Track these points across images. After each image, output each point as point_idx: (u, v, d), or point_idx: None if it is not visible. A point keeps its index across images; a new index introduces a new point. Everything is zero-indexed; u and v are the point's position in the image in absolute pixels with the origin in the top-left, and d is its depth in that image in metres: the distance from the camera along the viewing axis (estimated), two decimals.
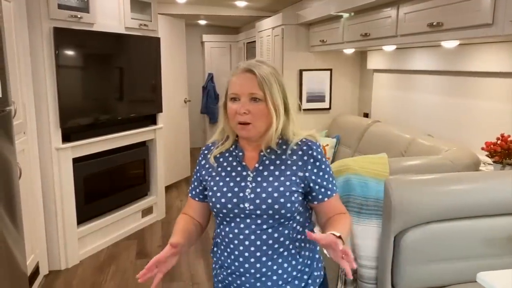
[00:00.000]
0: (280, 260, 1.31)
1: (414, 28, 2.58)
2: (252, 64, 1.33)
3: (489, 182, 1.90)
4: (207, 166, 1.40)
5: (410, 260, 1.80)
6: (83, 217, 3.54)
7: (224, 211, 1.32)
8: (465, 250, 1.82)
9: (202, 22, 7.17)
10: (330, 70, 4.47)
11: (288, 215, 1.30)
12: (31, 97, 3.03)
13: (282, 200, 1.29)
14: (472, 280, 1.70)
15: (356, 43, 3.42)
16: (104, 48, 3.66)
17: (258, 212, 1.29)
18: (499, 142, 2.30)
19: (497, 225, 1.84)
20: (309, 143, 1.35)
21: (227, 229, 1.33)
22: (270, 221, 1.30)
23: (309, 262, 1.37)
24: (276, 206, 1.28)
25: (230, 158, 1.38)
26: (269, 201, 1.28)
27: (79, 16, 3.26)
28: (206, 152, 1.43)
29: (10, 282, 2.24)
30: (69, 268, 3.36)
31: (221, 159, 1.39)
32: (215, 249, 1.41)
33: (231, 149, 1.40)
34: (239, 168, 1.36)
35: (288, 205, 1.29)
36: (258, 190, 1.30)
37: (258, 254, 1.30)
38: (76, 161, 3.39)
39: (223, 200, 1.32)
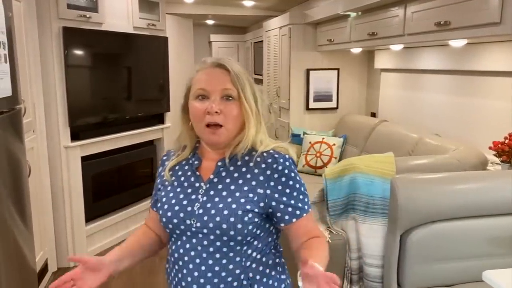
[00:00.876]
0: (235, 284, 1.10)
1: (422, 27, 2.57)
2: (222, 59, 1.17)
3: (496, 182, 1.89)
4: (162, 174, 1.25)
5: (415, 259, 1.80)
6: (91, 215, 3.57)
7: (170, 226, 1.15)
8: (471, 249, 1.81)
9: (210, 21, 7.19)
10: (338, 69, 4.47)
11: (239, 238, 1.10)
12: (40, 96, 3.06)
13: (232, 219, 1.09)
14: (477, 280, 1.69)
15: (364, 42, 3.42)
16: (112, 48, 3.68)
17: (205, 231, 1.11)
18: (506, 141, 2.29)
19: (503, 225, 1.83)
20: (276, 155, 1.14)
21: (178, 243, 1.16)
22: (218, 243, 1.10)
23: None
24: (224, 226, 1.09)
25: (186, 167, 1.22)
26: (217, 219, 1.09)
27: (88, 16, 3.29)
28: (164, 159, 1.28)
29: (19, 279, 2.27)
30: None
31: (177, 167, 1.23)
32: (166, 265, 1.24)
33: (188, 157, 1.23)
34: (192, 179, 1.19)
35: (239, 226, 1.09)
36: (208, 205, 1.12)
37: (209, 274, 1.10)
38: (84, 159, 3.42)
39: (169, 214, 1.15)
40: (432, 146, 2.80)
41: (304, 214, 1.15)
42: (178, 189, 1.18)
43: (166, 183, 1.22)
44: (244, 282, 1.11)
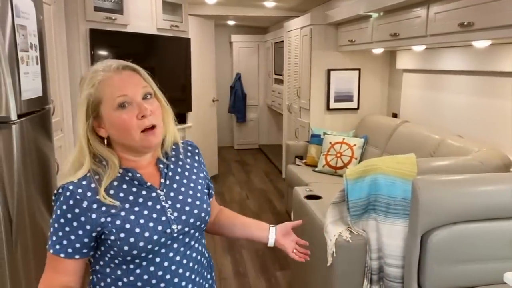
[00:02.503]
0: (205, 273, 1.21)
1: (445, 28, 2.56)
2: (121, 61, 1.12)
3: None
4: (94, 207, 1.05)
5: (436, 260, 1.80)
6: None
7: (149, 246, 1.06)
8: (492, 252, 1.80)
9: (231, 22, 7.24)
10: (359, 69, 4.46)
11: (207, 219, 1.20)
12: (68, 96, 3.16)
13: (204, 205, 1.18)
14: (499, 282, 1.69)
15: (385, 43, 3.41)
16: (136, 49, 3.77)
17: (187, 229, 1.13)
18: None
19: None
20: (189, 143, 1.28)
21: (151, 268, 1.08)
22: (196, 234, 1.17)
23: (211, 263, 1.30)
24: (203, 214, 1.17)
25: (125, 186, 1.09)
26: (195, 211, 1.14)
27: (113, 17, 3.38)
28: (79, 191, 1.05)
29: None
30: None
31: (111, 192, 1.07)
32: None
33: (119, 175, 1.10)
34: (143, 192, 1.10)
35: (209, 209, 1.20)
36: (178, 205, 1.12)
37: (193, 276, 1.15)
38: None
39: (146, 235, 1.05)
40: (454, 148, 2.78)
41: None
42: (136, 208, 1.07)
43: (113, 210, 1.05)
44: (206, 255, 1.24)
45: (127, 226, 1.05)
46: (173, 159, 1.20)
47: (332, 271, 2.07)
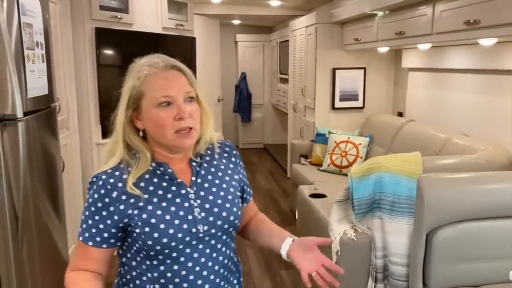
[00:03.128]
0: (231, 278, 1.19)
1: (450, 26, 2.55)
2: (169, 58, 1.12)
3: None
4: (124, 198, 1.06)
5: (441, 259, 1.79)
6: None
7: (173, 244, 1.05)
8: (498, 250, 1.79)
9: (236, 21, 7.25)
10: (364, 68, 4.45)
11: (237, 223, 1.16)
12: (73, 94, 3.17)
13: (234, 209, 1.14)
14: (504, 281, 1.68)
15: (391, 41, 3.40)
16: (142, 48, 3.73)
17: (213, 231, 1.10)
18: None
19: None
20: (228, 144, 1.25)
21: (175, 267, 1.07)
22: (224, 237, 1.14)
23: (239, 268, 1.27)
24: (231, 218, 1.13)
25: (156, 180, 1.10)
26: (224, 214, 1.12)
27: (119, 16, 3.39)
28: (111, 181, 1.07)
29: (53, 271, 2.36)
30: None
31: (141, 184, 1.08)
32: None
33: (151, 168, 1.10)
34: (173, 188, 1.10)
35: (239, 212, 1.16)
36: (207, 206, 1.11)
37: (217, 280, 1.13)
38: None
39: (171, 231, 1.05)
40: (460, 146, 2.77)
41: (252, 194, 1.29)
42: (164, 204, 1.07)
43: (141, 204, 1.06)
44: (235, 260, 1.21)
45: (153, 220, 1.05)
46: (207, 158, 1.18)
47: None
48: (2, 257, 1.90)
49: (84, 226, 1.08)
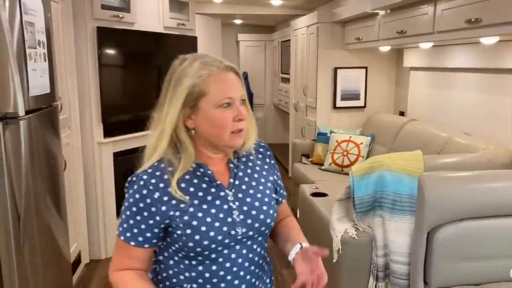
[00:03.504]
0: (264, 277, 1.21)
1: (452, 25, 2.55)
2: (226, 60, 1.12)
3: None
4: (166, 199, 1.06)
5: (442, 257, 1.79)
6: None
7: (213, 246, 1.07)
8: (499, 249, 1.79)
9: (238, 21, 7.25)
10: (366, 67, 4.45)
11: (273, 225, 1.18)
12: (75, 93, 3.18)
13: (271, 211, 1.16)
14: (505, 279, 1.68)
15: (392, 40, 3.40)
16: (143, 47, 3.78)
17: (251, 233, 1.11)
18: None
19: None
20: (262, 144, 1.25)
21: (213, 267, 1.09)
22: (260, 238, 1.15)
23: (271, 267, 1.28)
24: (268, 220, 1.15)
25: (195, 180, 1.10)
26: (262, 217, 1.13)
27: (120, 16, 3.39)
28: (153, 181, 1.08)
29: (56, 269, 2.37)
30: (109, 258, 3.50)
31: (182, 185, 1.09)
32: None
33: (191, 169, 1.10)
34: (212, 190, 1.11)
35: (275, 214, 1.17)
36: (245, 208, 1.11)
37: (253, 280, 1.15)
38: (116, 155, 3.52)
39: (212, 234, 1.06)
40: (462, 145, 2.76)
41: (286, 196, 1.29)
42: (204, 206, 1.08)
43: (182, 205, 1.07)
44: (267, 259, 1.22)
45: (194, 223, 1.06)
46: (243, 159, 1.19)
47: (338, 267, 2.06)
48: (4, 255, 1.91)
49: (125, 225, 1.08)
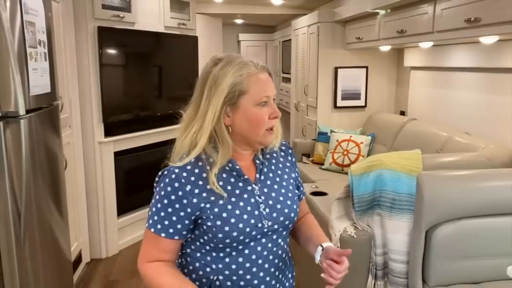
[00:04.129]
0: (286, 272, 1.26)
1: (451, 24, 2.55)
2: (259, 61, 1.19)
3: None
4: (197, 191, 1.11)
5: (441, 256, 1.80)
6: (123, 209, 3.69)
7: (241, 237, 1.12)
8: (498, 247, 1.79)
9: (239, 21, 7.26)
10: (366, 67, 4.45)
11: (296, 219, 1.24)
12: (76, 93, 3.19)
13: (294, 206, 1.22)
14: (503, 278, 1.68)
15: (392, 40, 3.40)
16: (144, 47, 3.79)
17: (276, 226, 1.17)
18: None
19: None
20: (284, 142, 1.31)
21: (240, 259, 1.14)
22: (284, 232, 1.22)
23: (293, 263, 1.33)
24: (292, 214, 1.21)
25: (224, 175, 1.15)
26: (286, 210, 1.19)
27: (121, 15, 3.40)
28: (185, 174, 1.12)
29: (56, 268, 2.38)
30: (109, 257, 3.51)
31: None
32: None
33: (222, 164, 1.16)
34: (240, 184, 1.16)
35: (298, 209, 1.24)
36: (270, 202, 1.17)
37: (277, 273, 1.20)
38: (117, 154, 3.54)
39: (240, 226, 1.11)
40: (462, 145, 2.77)
41: (305, 194, 1.37)
42: (233, 199, 1.13)
43: (213, 198, 1.12)
44: (290, 254, 1.27)
45: (224, 215, 1.11)
46: (268, 156, 1.25)
47: None
48: (4, 254, 1.92)
49: (156, 218, 1.13)
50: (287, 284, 1.27)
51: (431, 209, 1.78)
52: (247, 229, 1.12)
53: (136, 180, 3.85)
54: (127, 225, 3.71)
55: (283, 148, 1.31)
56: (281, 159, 1.28)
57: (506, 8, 2.09)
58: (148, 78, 3.89)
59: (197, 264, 1.17)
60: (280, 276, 1.22)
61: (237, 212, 1.12)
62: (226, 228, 1.10)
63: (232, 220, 1.11)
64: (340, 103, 4.50)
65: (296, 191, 1.27)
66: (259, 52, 7.81)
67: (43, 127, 2.22)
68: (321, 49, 4.45)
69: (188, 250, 1.19)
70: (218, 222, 1.10)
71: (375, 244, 2.03)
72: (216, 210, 1.11)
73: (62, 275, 2.49)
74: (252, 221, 1.13)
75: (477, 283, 1.82)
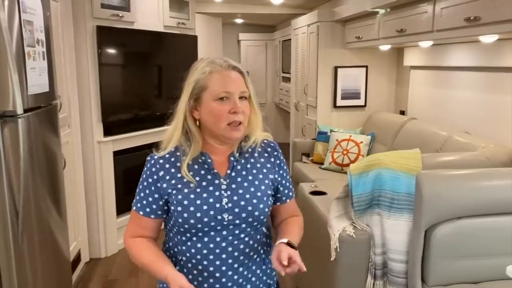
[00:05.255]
0: (254, 267, 1.28)
1: (451, 23, 2.54)
2: (230, 60, 1.25)
3: None
4: (167, 177, 1.23)
5: (440, 255, 1.79)
6: (122, 208, 3.68)
7: (199, 225, 1.20)
8: (497, 247, 1.79)
9: (239, 20, 7.26)
10: (366, 66, 4.44)
11: (264, 219, 1.27)
12: (75, 92, 3.18)
13: (261, 205, 1.24)
14: (503, 277, 1.68)
15: (392, 39, 3.39)
16: (143, 46, 3.79)
17: (237, 221, 1.22)
18: None
19: None
20: (271, 144, 1.34)
21: (198, 245, 1.22)
22: (248, 229, 1.25)
23: (270, 264, 1.30)
24: (256, 213, 1.23)
25: (196, 166, 1.24)
26: (250, 208, 1.22)
27: (120, 15, 3.39)
28: (161, 162, 1.25)
29: (54, 268, 2.38)
30: (108, 257, 3.51)
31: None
32: (177, 267, 1.24)
33: (196, 156, 1.25)
34: (209, 177, 1.24)
35: (266, 209, 1.26)
36: (235, 198, 1.22)
37: (235, 265, 1.24)
38: (116, 154, 3.53)
39: (198, 215, 1.19)
40: (461, 144, 2.76)
41: (293, 197, 1.38)
42: (198, 190, 1.21)
43: (179, 185, 1.22)
44: (263, 256, 1.31)
45: (185, 202, 1.20)
46: (246, 155, 1.29)
47: (336, 266, 2.06)
48: (2, 252, 1.91)
49: (137, 198, 1.28)
50: (253, 278, 1.29)
51: (431, 208, 1.77)
52: (205, 219, 1.19)
53: (135, 179, 3.80)
54: (126, 225, 3.69)
55: (268, 149, 1.33)
56: (262, 159, 1.30)
57: (505, 7, 2.08)
58: (147, 78, 3.89)
59: (171, 244, 1.29)
60: (242, 269, 1.25)
61: (198, 202, 1.20)
62: (185, 215, 1.20)
63: (191, 208, 1.19)
64: (339, 102, 4.50)
65: (270, 192, 1.28)
66: (259, 51, 7.81)
67: (42, 126, 2.21)
68: (320, 49, 4.45)
69: (166, 230, 1.32)
70: (179, 208, 1.20)
71: (374, 244, 2.03)
72: (179, 197, 1.21)
73: (61, 274, 2.49)
74: (211, 212, 1.20)
75: (476, 282, 1.81)
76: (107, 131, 3.45)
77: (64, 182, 2.57)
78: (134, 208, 1.28)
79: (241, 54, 7.79)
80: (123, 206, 3.69)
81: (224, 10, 5.67)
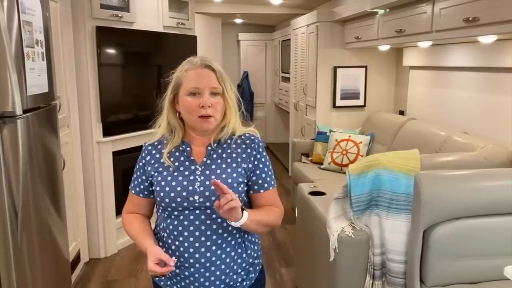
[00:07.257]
0: (228, 249, 1.38)
1: (450, 24, 2.55)
2: (207, 59, 1.38)
3: None
4: (152, 162, 1.41)
5: (439, 256, 1.80)
6: (121, 209, 3.66)
7: (173, 205, 1.35)
8: (495, 247, 1.79)
9: (238, 20, 7.26)
10: (365, 67, 4.45)
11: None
12: (74, 92, 3.19)
13: (230, 191, 1.28)
14: (501, 278, 1.68)
15: (391, 39, 3.40)
16: (143, 46, 3.79)
17: (208, 204, 1.34)
18: None
19: None
20: (252, 137, 1.43)
21: (175, 222, 1.37)
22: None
23: (250, 251, 1.45)
24: None
25: (177, 154, 1.40)
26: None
27: (119, 15, 3.40)
28: (150, 148, 1.44)
29: (54, 268, 2.38)
30: (108, 257, 3.51)
31: (168, 155, 1.41)
32: (160, 243, 1.42)
33: (177, 144, 1.41)
34: (187, 163, 1.39)
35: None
36: (207, 183, 1.34)
37: (208, 243, 1.35)
38: (116, 154, 3.53)
39: (172, 194, 1.34)
40: (460, 144, 2.76)
41: (270, 188, 1.44)
42: (175, 173, 1.37)
43: (160, 169, 1.39)
44: (239, 240, 1.41)
45: (163, 183, 1.37)
46: (224, 145, 1.41)
47: (334, 266, 2.06)
48: (1, 253, 1.92)
49: (133, 178, 1.47)
50: (231, 264, 1.38)
51: (429, 209, 1.77)
52: (178, 199, 1.34)
53: None
54: None
55: (247, 141, 1.42)
56: (238, 150, 1.41)
57: (504, 7, 2.08)
58: (146, 78, 3.89)
59: (158, 221, 1.46)
60: (214, 248, 1.35)
61: (173, 183, 1.35)
62: (161, 194, 1.36)
63: (167, 189, 1.35)
64: (339, 102, 4.50)
65: (242, 179, 1.38)
66: (258, 51, 7.81)
67: (41, 127, 2.21)
68: (320, 49, 4.45)
69: (155, 209, 1.48)
70: (157, 188, 1.37)
71: (373, 244, 2.03)
72: (159, 178, 1.38)
73: (60, 275, 2.49)
74: (184, 193, 1.34)
75: (475, 283, 1.82)
76: (107, 132, 3.45)
77: (63, 183, 2.58)
78: (130, 187, 1.49)
79: (240, 54, 7.79)
80: (122, 206, 3.66)
81: (224, 10, 5.67)
